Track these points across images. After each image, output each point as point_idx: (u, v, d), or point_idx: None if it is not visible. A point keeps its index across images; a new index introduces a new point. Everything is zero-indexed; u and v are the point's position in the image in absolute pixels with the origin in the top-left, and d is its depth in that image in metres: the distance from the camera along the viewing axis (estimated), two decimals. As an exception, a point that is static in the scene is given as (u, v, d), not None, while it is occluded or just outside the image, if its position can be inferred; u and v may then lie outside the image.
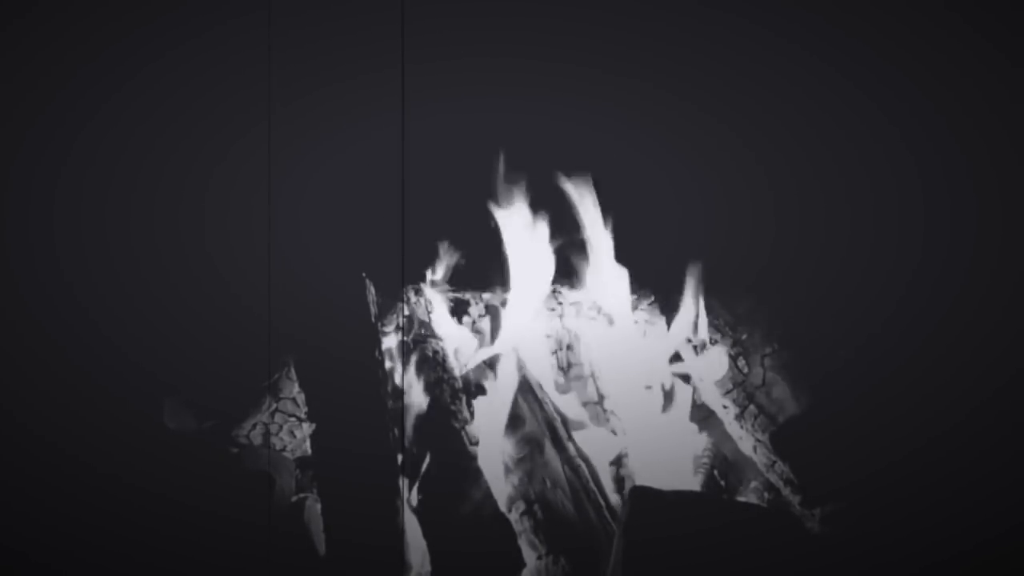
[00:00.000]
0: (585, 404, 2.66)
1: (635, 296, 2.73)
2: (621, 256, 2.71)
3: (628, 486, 2.38)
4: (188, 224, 2.67)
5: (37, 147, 2.65)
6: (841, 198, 2.71)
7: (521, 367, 2.57)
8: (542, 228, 2.72)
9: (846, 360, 2.50)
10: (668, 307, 2.69)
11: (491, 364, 2.57)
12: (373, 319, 2.58)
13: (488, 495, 2.32)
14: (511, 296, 2.72)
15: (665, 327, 2.69)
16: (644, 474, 2.48)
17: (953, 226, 2.62)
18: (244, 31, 2.69)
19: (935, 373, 2.43)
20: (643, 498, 2.19)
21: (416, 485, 2.35)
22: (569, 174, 2.73)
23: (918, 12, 2.70)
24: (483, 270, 2.74)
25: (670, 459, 2.58)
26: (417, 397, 2.49)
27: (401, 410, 2.49)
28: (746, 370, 2.59)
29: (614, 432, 2.58)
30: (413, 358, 2.56)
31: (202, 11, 2.71)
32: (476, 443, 2.41)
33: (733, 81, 2.80)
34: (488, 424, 2.48)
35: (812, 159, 2.75)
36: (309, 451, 2.53)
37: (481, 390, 2.54)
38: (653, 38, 2.82)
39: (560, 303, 2.75)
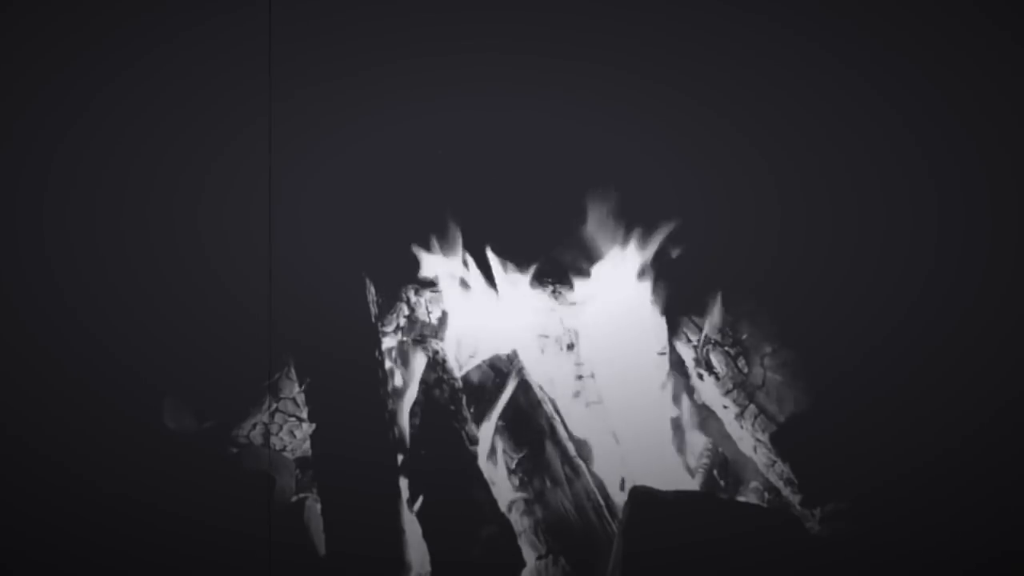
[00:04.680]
0: (586, 404, 2.66)
1: (636, 296, 2.73)
2: (621, 256, 2.71)
3: (628, 486, 2.38)
4: (187, 224, 2.67)
5: (31, 147, 2.65)
6: (843, 198, 2.71)
7: (520, 367, 2.57)
8: (542, 227, 2.72)
9: (846, 360, 2.50)
10: (668, 307, 2.69)
11: (491, 364, 2.57)
12: (373, 319, 2.58)
13: (488, 495, 2.32)
14: (511, 296, 2.72)
15: (665, 327, 2.69)
16: (644, 474, 2.48)
17: (956, 226, 2.62)
18: (243, 28, 2.69)
19: (935, 373, 2.43)
20: (643, 498, 2.20)
21: (416, 485, 2.35)
22: (570, 173, 2.73)
23: (926, 10, 2.70)
24: (482, 270, 2.73)
25: (670, 459, 2.59)
26: (417, 397, 2.49)
27: (401, 410, 2.50)
28: (746, 370, 2.59)
29: (614, 432, 2.58)
30: (413, 358, 2.56)
31: (199, 7, 2.71)
32: (476, 443, 2.41)
33: (736, 80, 2.80)
34: (488, 424, 2.48)
35: (815, 159, 2.75)
36: (309, 451, 2.53)
37: (480, 390, 2.54)
38: (654, 37, 2.82)
39: (560, 303, 2.75)
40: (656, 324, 2.68)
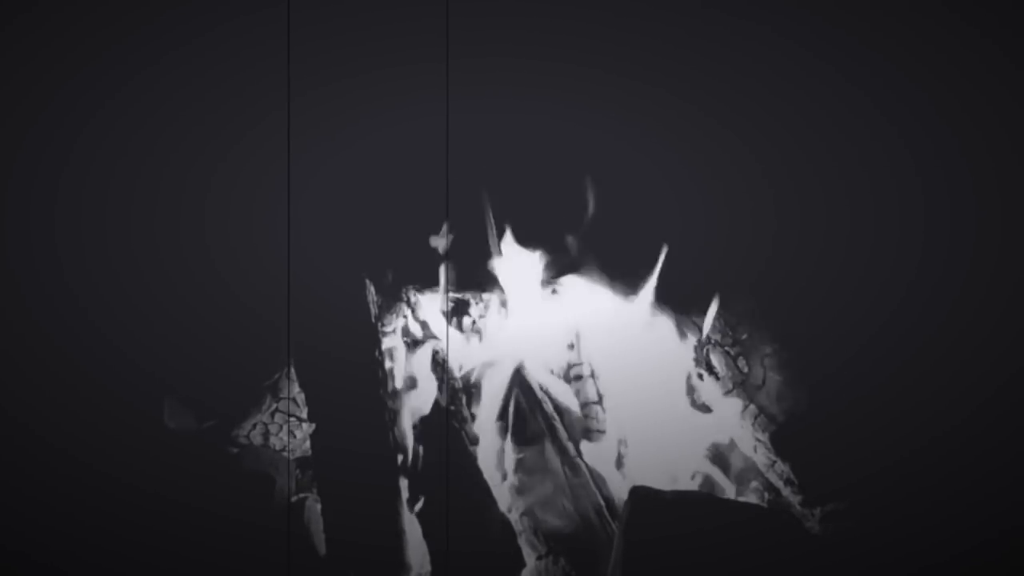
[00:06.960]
0: (585, 404, 2.65)
1: (636, 296, 2.73)
2: (622, 256, 2.71)
3: (628, 486, 2.38)
4: (189, 223, 2.67)
5: (37, 144, 2.65)
6: (841, 198, 2.71)
7: (521, 367, 2.56)
8: (541, 228, 2.72)
9: (846, 360, 2.50)
10: (668, 306, 2.69)
11: (491, 364, 2.57)
12: (373, 319, 2.58)
13: (488, 495, 2.32)
14: (511, 296, 2.71)
15: (665, 326, 2.69)
16: (644, 474, 2.48)
17: (953, 226, 2.63)
18: (242, 32, 2.69)
19: (935, 373, 2.43)
20: (643, 498, 2.19)
21: (416, 486, 2.35)
22: (568, 173, 2.73)
23: (918, 13, 2.70)
24: (483, 270, 2.73)
25: (670, 459, 2.58)
26: (416, 397, 2.49)
27: (400, 410, 2.50)
28: (746, 370, 2.59)
29: (614, 432, 2.58)
30: (413, 359, 2.56)
31: (199, 12, 2.71)
32: (476, 443, 2.41)
33: (732, 81, 2.80)
34: (488, 424, 2.48)
35: (812, 159, 2.75)
36: (309, 451, 2.53)
37: (480, 390, 2.54)
38: (651, 38, 2.82)
39: (559, 303, 2.75)
40: (656, 323, 2.68)
